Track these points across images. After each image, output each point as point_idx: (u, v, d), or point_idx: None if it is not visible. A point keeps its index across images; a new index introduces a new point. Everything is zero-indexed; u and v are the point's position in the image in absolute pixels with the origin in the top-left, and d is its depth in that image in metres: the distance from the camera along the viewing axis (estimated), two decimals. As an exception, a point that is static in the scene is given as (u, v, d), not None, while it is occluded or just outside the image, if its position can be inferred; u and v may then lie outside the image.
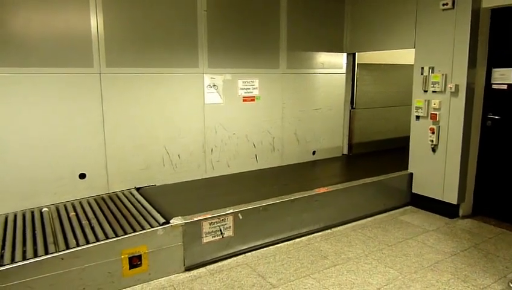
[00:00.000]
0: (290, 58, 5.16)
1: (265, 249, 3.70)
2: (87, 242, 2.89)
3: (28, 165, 3.64)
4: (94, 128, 3.92)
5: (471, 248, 3.76)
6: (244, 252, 3.61)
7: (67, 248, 2.80)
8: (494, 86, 4.26)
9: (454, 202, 4.41)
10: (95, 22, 3.79)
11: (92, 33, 3.78)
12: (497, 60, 4.22)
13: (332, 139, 5.81)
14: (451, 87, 4.26)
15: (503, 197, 4.33)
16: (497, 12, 4.16)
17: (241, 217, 3.50)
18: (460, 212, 4.51)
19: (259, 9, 4.82)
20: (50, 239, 2.95)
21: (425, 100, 4.54)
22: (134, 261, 3.02)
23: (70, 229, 3.17)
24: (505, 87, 4.18)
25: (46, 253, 2.73)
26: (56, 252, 2.74)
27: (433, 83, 4.44)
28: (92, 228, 3.16)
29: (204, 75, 4.49)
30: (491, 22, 4.23)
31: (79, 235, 3.03)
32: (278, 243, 3.80)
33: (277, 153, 5.26)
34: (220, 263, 3.43)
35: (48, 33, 3.59)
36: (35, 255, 2.71)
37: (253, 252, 3.64)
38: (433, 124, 4.50)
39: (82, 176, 3.91)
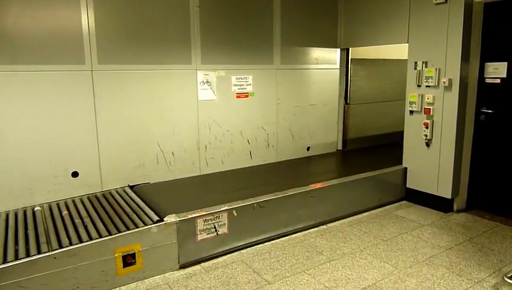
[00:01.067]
0: (284, 53, 5.14)
1: (260, 245, 3.69)
2: (81, 241, 2.86)
3: (21, 164, 3.60)
4: (87, 126, 3.88)
5: (465, 242, 3.77)
6: (239, 249, 3.60)
7: (60, 247, 2.77)
8: (488, 80, 4.27)
9: (449, 196, 4.42)
10: (86, 19, 3.74)
11: (83, 30, 3.74)
12: (490, 54, 4.23)
13: (326, 134, 5.81)
14: (444, 82, 4.27)
15: (497, 191, 4.35)
16: (490, 7, 4.17)
17: (235, 214, 3.49)
18: (455, 207, 4.52)
19: (253, 5, 4.79)
20: (43, 238, 2.92)
21: (419, 95, 4.54)
22: (128, 260, 2.99)
23: (64, 228, 3.13)
24: (498, 81, 4.19)
25: (39, 252, 2.70)
26: (49, 251, 2.71)
27: (427, 78, 4.44)
28: (85, 227, 3.13)
29: (198, 71, 4.46)
30: (484, 16, 4.23)
31: (72, 234, 3.00)
32: (273, 240, 3.80)
33: (272, 149, 5.24)
34: (215, 260, 3.42)
35: (39, 30, 3.54)
36: (28, 254, 2.68)
37: (248, 248, 3.63)
38: (427, 119, 4.50)
39: (75, 174, 3.87)
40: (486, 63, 4.26)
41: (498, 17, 4.14)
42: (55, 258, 2.70)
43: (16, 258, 2.64)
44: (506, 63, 4.10)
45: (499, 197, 4.34)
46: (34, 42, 3.53)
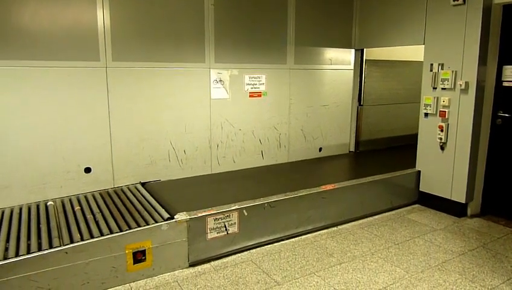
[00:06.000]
0: (298, 53, 5.11)
1: (270, 245, 3.68)
2: (92, 236, 2.88)
3: (34, 159, 3.64)
4: (100, 123, 3.91)
5: (479, 248, 3.70)
6: (249, 249, 3.59)
7: (72, 242, 2.79)
8: (505, 84, 4.19)
9: (463, 201, 4.35)
10: (102, 16, 3.77)
11: (98, 27, 3.76)
12: (509, 57, 4.14)
13: (339, 136, 5.76)
14: (461, 84, 4.20)
15: (512, 197, 4.27)
16: (509, 9, 4.08)
17: (246, 214, 3.48)
18: (469, 211, 4.45)
19: (267, 4, 4.77)
20: (55, 233, 2.95)
21: (434, 97, 4.48)
22: (139, 256, 3.00)
23: (75, 223, 3.16)
24: (516, 84, 4.11)
25: (51, 247, 2.73)
26: (60, 246, 2.74)
27: (443, 80, 4.37)
28: (97, 222, 3.15)
29: (211, 70, 4.46)
30: (502, 19, 4.15)
31: (83, 229, 3.02)
32: (283, 240, 3.78)
33: (283, 150, 5.22)
34: (224, 259, 3.41)
35: (56, 27, 3.58)
36: (40, 248, 2.71)
37: (258, 248, 3.62)
38: (442, 122, 4.43)
39: (88, 170, 3.90)
40: (504, 66, 4.18)
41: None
42: (66, 253, 2.72)
43: (28, 252, 2.66)
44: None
45: (514, 203, 4.26)
46: (50, 38, 3.57)
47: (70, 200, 3.72)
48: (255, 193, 3.80)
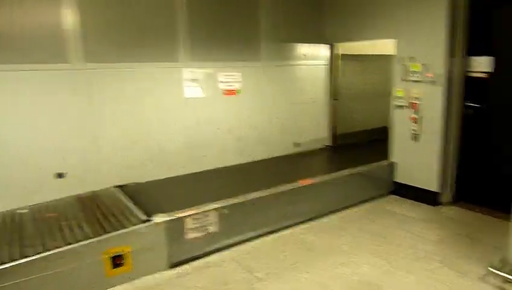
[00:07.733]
0: (272, 50, 5.10)
1: (251, 243, 3.67)
2: (68, 244, 2.80)
3: (8, 165, 3.51)
4: (74, 126, 3.80)
5: (455, 235, 3.79)
6: (230, 247, 3.56)
7: (46, 250, 2.71)
8: (474, 74, 4.29)
9: (437, 190, 4.45)
10: (70, 17, 3.66)
11: (68, 29, 3.65)
12: (475, 49, 4.24)
13: (316, 130, 5.80)
14: (430, 76, 4.28)
15: (485, 184, 4.37)
16: (475, 1, 4.18)
17: (226, 212, 3.46)
18: (443, 200, 4.54)
19: (239, 2, 4.74)
20: (28, 242, 2.85)
21: (405, 89, 4.56)
22: (117, 261, 2.94)
23: (50, 231, 3.06)
24: (484, 75, 4.21)
25: (23, 257, 2.63)
26: (33, 255, 2.65)
27: (413, 73, 4.45)
28: (73, 229, 3.07)
29: (185, 68, 4.41)
30: (469, 11, 4.23)
31: (58, 237, 2.93)
32: (263, 237, 3.77)
33: (261, 146, 5.21)
34: (205, 259, 3.38)
35: (27, 29, 3.47)
36: (11, 259, 2.60)
37: (239, 246, 3.60)
38: (413, 114, 4.52)
39: (61, 175, 3.79)
40: (471, 58, 4.27)
41: (483, 11, 4.15)
42: (41, 261, 2.64)
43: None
44: (492, 57, 4.12)
45: (487, 190, 4.36)
46: (22, 41, 3.46)
47: (44, 207, 3.60)
48: (235, 191, 3.78)
